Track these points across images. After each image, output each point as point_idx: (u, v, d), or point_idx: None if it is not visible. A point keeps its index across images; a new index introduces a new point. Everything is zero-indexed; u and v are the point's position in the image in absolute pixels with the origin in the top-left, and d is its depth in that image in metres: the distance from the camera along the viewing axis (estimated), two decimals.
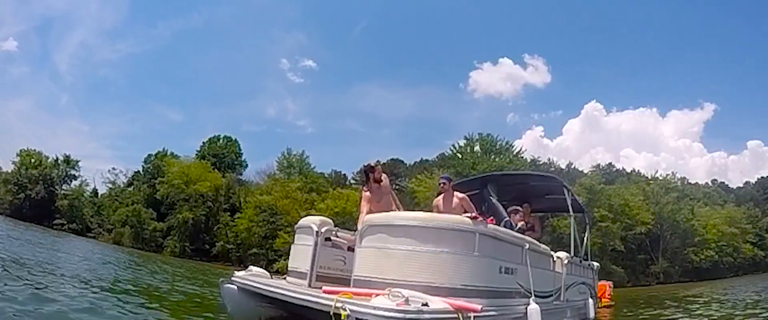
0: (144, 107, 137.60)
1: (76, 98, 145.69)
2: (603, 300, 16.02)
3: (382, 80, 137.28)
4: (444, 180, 9.26)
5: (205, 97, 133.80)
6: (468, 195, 11.31)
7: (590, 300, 11.98)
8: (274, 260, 54.20)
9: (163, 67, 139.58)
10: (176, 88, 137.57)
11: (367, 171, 8.74)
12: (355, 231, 8.24)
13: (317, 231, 7.21)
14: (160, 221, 64.79)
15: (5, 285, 8.55)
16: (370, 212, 8.76)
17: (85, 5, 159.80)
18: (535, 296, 7.33)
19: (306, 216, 35.25)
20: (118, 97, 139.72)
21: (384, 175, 9.11)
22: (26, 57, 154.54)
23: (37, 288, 8.81)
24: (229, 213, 63.75)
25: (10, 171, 78.12)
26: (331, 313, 4.93)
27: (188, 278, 18.77)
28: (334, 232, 7.58)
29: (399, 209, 8.45)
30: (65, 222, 69.77)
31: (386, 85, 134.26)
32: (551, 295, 9.30)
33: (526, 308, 6.97)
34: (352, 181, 71.29)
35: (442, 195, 9.16)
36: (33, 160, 77.08)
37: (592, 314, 11.78)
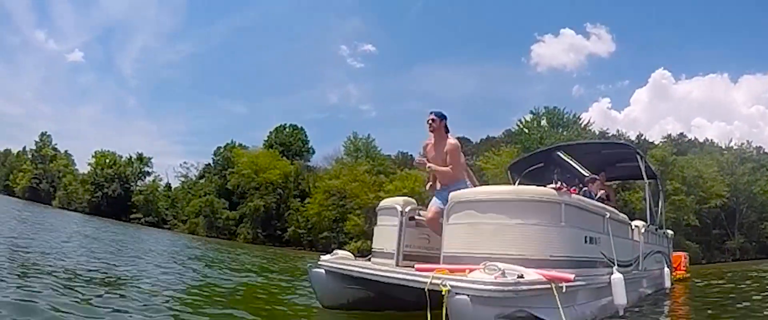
0: (208, 103, 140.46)
1: (143, 100, 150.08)
2: (678, 272, 15.44)
3: (442, 59, 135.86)
4: (433, 116, 7.26)
5: (267, 89, 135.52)
6: (534, 169, 11.20)
7: (666, 270, 11.78)
8: (345, 243, 54.62)
9: (223, 64, 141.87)
10: (238, 82, 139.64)
11: None
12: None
13: (402, 211, 7.25)
14: (232, 210, 66.17)
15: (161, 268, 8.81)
16: None
17: (144, 11, 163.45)
18: (618, 265, 7.29)
19: (377, 197, 35.58)
20: (182, 96, 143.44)
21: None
22: (92, 65, 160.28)
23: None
24: (299, 199, 64.54)
25: (87, 172, 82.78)
26: (426, 290, 4.97)
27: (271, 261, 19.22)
28: (417, 211, 7.61)
29: (474, 185, 8.44)
30: (142, 216, 72.87)
31: (447, 63, 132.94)
32: (631, 264, 9.16)
33: (610, 277, 6.92)
34: None
35: (432, 135, 7.50)
36: (108, 160, 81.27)
37: (668, 283, 11.57)
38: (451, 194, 6.78)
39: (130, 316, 5.53)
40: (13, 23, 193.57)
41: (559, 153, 11.18)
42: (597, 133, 56.89)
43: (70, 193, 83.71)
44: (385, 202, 8.05)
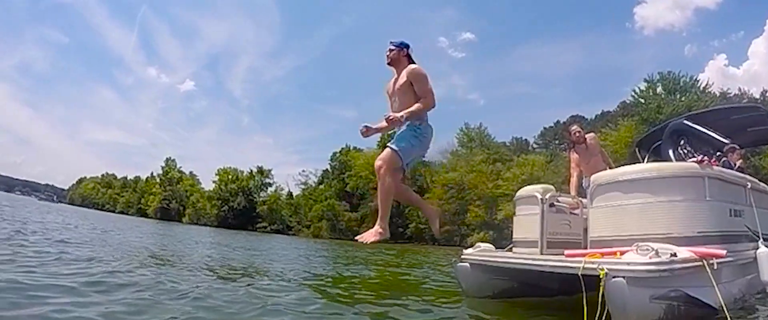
0: (318, 111, 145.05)
1: (256, 116, 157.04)
2: None
3: (542, 37, 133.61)
4: (390, 46, 5.85)
5: (373, 90, 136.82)
6: (656, 147, 10.81)
7: None
8: (467, 235, 54.46)
9: (327, 72, 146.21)
10: (343, 87, 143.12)
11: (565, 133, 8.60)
12: (569, 194, 8.29)
13: (542, 199, 7.24)
14: (353, 212, 67.29)
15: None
16: (580, 174, 8.75)
17: (243, 35, 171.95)
18: (763, 239, 6.96)
19: (495, 186, 35.33)
20: (292, 108, 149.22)
21: (590, 135, 8.97)
22: (204, 92, 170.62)
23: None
24: (418, 195, 64.77)
25: (212, 189, 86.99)
26: (580, 275, 4.99)
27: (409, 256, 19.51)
28: (556, 198, 7.58)
29: (610, 166, 8.31)
30: (267, 225, 75.71)
31: (548, 40, 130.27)
32: None
33: (755, 252, 6.64)
34: (535, 146, 70.41)
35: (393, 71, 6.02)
36: (230, 176, 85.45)
37: None
38: (593, 177, 6.73)
39: (304, 307, 5.84)
40: (126, 65, 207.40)
41: (687, 123, 10.81)
42: (717, 94, 53.98)
43: (198, 210, 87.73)
44: (524, 191, 8.02)
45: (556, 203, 7.48)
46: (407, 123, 5.46)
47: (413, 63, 5.75)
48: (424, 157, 6.10)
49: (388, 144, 5.48)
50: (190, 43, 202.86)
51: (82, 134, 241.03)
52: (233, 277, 8.10)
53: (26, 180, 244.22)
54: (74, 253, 8.84)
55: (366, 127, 5.93)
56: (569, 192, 8.37)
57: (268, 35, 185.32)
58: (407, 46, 5.81)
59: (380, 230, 5.26)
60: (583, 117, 67.80)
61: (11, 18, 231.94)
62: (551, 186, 7.64)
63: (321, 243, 40.48)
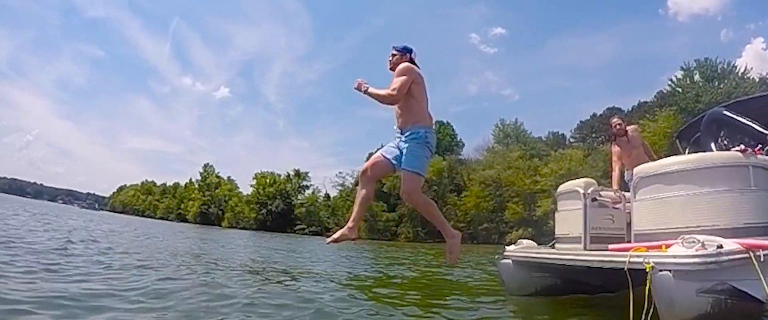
0: (351, 113, 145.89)
1: (291, 120, 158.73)
2: None
3: (575, 28, 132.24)
4: (393, 51, 5.69)
5: None
6: (697, 138, 10.59)
7: None
8: (506, 232, 54.28)
9: (359, 73, 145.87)
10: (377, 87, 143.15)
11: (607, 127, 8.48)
12: (612, 188, 8.19)
13: (584, 194, 7.18)
14: (391, 212, 67.47)
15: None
16: (622, 168, 8.64)
17: (275, 41, 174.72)
18: None
19: (533, 182, 35.08)
20: (326, 110, 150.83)
21: (632, 126, 8.86)
22: (239, 98, 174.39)
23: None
24: (455, 193, 64.81)
25: (250, 193, 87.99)
26: (626, 269, 4.94)
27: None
28: (598, 192, 7.51)
29: (652, 159, 8.19)
30: (305, 227, 76.26)
31: (581, 32, 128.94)
32: None
33: None
34: (571, 140, 69.68)
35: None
36: (268, 180, 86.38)
37: None
38: (636, 170, 6.65)
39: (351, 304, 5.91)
40: (161, 75, 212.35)
41: (726, 113, 10.59)
42: (756, 80, 52.92)
43: (237, 214, 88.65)
44: (565, 186, 7.93)
45: (598, 197, 7.41)
46: (411, 132, 5.24)
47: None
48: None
49: (403, 167, 5.18)
50: (223, 51, 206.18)
51: (121, 144, 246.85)
52: (279, 280, 8.19)
53: (68, 189, 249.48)
54: (123, 261, 9.02)
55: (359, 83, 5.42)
56: (610, 187, 8.29)
57: (300, 40, 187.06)
58: (410, 51, 5.64)
59: (348, 229, 5.20)
60: (620, 108, 66.47)
61: (47, 35, 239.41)
62: (593, 181, 7.54)
63: (359, 243, 40.54)
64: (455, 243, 5.52)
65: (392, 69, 5.51)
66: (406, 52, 5.56)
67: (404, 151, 5.14)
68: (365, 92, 5.23)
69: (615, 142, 8.72)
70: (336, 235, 5.15)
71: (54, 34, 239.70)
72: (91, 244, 11.58)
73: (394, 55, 5.57)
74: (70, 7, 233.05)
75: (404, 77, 5.14)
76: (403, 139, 5.19)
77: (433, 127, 5.49)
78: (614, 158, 8.62)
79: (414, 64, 5.48)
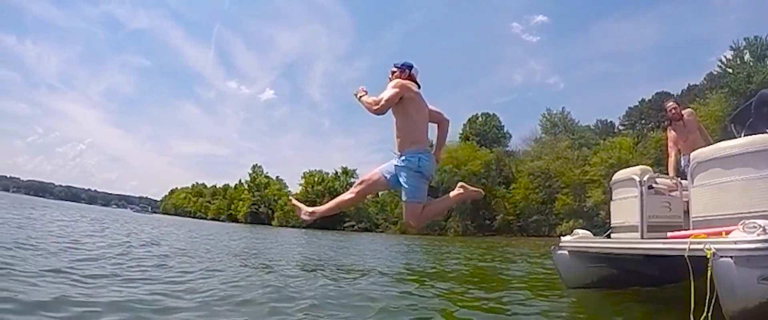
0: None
1: (336, 119, 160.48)
2: None
3: (618, 11, 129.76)
4: (394, 69, 5.76)
5: (450, 83, 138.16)
6: (750, 122, 10.29)
7: None
8: (556, 224, 53.84)
9: None
10: (421, 82, 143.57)
11: (662, 110, 8.33)
12: (668, 175, 8.04)
13: (640, 181, 7.06)
14: None
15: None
16: (678, 153, 8.50)
17: (316, 41, 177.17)
18: None
19: (583, 172, 34.63)
20: None
21: (687, 110, 8.71)
22: (284, 99, 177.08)
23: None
24: (503, 186, 64.54)
25: (299, 191, 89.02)
26: (686, 257, 4.86)
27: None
28: (654, 179, 7.39)
29: (709, 143, 8.03)
30: (355, 223, 76.73)
31: (624, 15, 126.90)
32: None
33: None
34: (620, 128, 68.68)
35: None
36: (316, 178, 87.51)
37: None
38: (693, 154, 6.52)
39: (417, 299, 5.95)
40: (206, 80, 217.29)
41: None
42: None
43: (286, 212, 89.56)
44: (620, 174, 7.79)
45: (654, 185, 7.30)
46: (405, 157, 5.36)
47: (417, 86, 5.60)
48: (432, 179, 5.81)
49: (405, 200, 5.47)
50: (266, 54, 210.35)
51: (171, 148, 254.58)
52: (337, 277, 8.23)
53: (121, 194, 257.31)
54: (185, 263, 9.15)
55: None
56: (665, 173, 8.16)
57: (341, 39, 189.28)
58: (410, 67, 5.65)
59: (309, 211, 5.29)
60: (669, 93, 64.55)
61: (94, 49, 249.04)
62: (649, 168, 7.40)
63: (409, 239, 40.58)
64: (465, 191, 5.58)
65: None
66: (405, 69, 5.60)
67: (402, 181, 5.22)
68: (360, 98, 5.33)
69: (670, 126, 8.57)
70: (300, 205, 5.28)
71: (100, 47, 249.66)
72: (151, 247, 11.78)
73: (393, 73, 5.63)
74: (114, 21, 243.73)
75: (394, 90, 5.25)
76: (400, 163, 5.24)
77: (429, 149, 5.68)
78: (670, 144, 8.49)
79: (414, 81, 5.61)
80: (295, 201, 5.26)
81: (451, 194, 5.72)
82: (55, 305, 4.28)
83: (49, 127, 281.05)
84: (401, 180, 5.37)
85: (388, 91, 5.13)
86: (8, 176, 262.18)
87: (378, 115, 5.20)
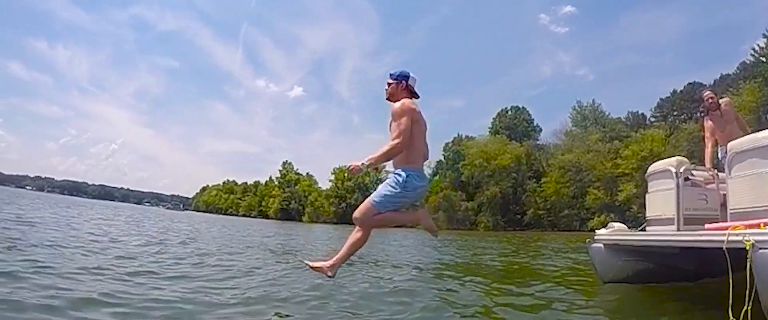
0: (425, 103, 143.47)
1: (365, 114, 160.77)
2: None
3: (646, 2, 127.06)
4: (390, 80, 5.40)
5: (478, 77, 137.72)
6: None
7: None
8: (587, 218, 53.39)
9: (430, 63, 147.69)
10: (448, 77, 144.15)
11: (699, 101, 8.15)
12: (703, 167, 7.87)
13: (676, 173, 6.93)
14: (469, 201, 67.07)
15: None
16: (715, 144, 8.33)
17: (343, 38, 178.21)
18: None
19: (614, 166, 34.22)
20: None
21: (725, 100, 8.50)
22: (312, 96, 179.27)
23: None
24: (534, 180, 64.14)
25: (329, 187, 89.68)
26: (724, 249, 4.75)
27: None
28: (690, 171, 7.24)
29: (746, 133, 7.84)
30: None
31: (653, 3, 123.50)
32: None
33: None
34: (652, 120, 67.71)
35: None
36: (346, 174, 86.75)
37: None
38: (730, 145, 6.37)
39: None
40: (235, 79, 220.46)
41: None
42: None
43: (316, 208, 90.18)
44: (656, 166, 7.63)
45: (690, 176, 7.15)
46: (396, 171, 5.11)
47: (415, 97, 5.32)
48: (417, 202, 5.41)
49: (370, 197, 5.15)
50: (294, 52, 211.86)
51: (201, 147, 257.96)
52: (375, 272, 8.31)
53: (153, 192, 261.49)
54: (228, 259, 9.29)
55: (357, 166, 5.09)
56: (701, 165, 7.99)
57: (368, 35, 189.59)
58: (406, 78, 5.34)
59: (328, 266, 5.02)
60: (701, 83, 62.79)
61: (123, 51, 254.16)
62: (685, 159, 7.26)
63: (440, 234, 40.55)
64: (421, 215, 5.36)
65: (389, 99, 5.34)
66: (402, 80, 5.31)
67: (382, 185, 5.04)
68: (369, 165, 4.97)
69: (707, 116, 8.34)
70: (316, 264, 5.03)
71: (129, 49, 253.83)
72: (188, 245, 11.92)
73: (390, 84, 5.34)
74: (142, 23, 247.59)
75: (404, 119, 4.93)
76: (391, 175, 5.09)
77: (423, 167, 5.39)
78: (707, 134, 8.26)
79: (412, 91, 5.33)
80: (312, 264, 5.00)
81: (414, 214, 5.48)
82: (98, 302, 4.34)
83: (81, 129, 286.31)
84: (382, 184, 5.19)
85: (401, 123, 4.83)
86: (43, 176, 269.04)
87: (403, 150, 5.03)
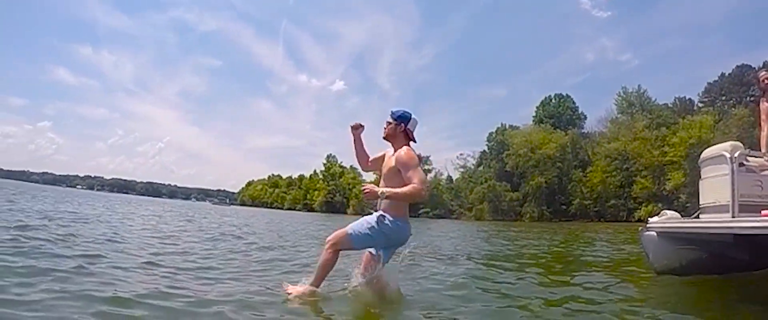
0: (466, 94, 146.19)
1: (406, 106, 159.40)
2: None
3: None
4: (390, 120, 5.30)
5: (520, 65, 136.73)
6: None
7: None
8: (634, 209, 52.72)
9: (470, 52, 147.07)
10: (489, 66, 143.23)
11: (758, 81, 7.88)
12: (759, 153, 7.65)
13: (731, 158, 6.74)
14: (514, 191, 66.74)
15: None
16: None
17: (382, 30, 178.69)
18: None
19: (662, 153, 33.71)
20: (440, 93, 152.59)
21: None
22: (354, 89, 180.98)
23: None
24: (579, 169, 63.51)
25: (373, 179, 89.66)
26: None
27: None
28: (745, 156, 7.03)
29: None
30: (429, 210, 76.43)
31: None
32: None
33: None
34: (699, 105, 66.27)
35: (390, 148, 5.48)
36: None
37: None
38: None
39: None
40: (277, 75, 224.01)
41: None
42: None
43: (361, 201, 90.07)
44: (710, 151, 7.42)
45: (745, 162, 6.95)
46: (381, 212, 5.04)
47: (411, 141, 5.25)
48: (395, 251, 5.31)
49: (349, 229, 5.11)
50: (334, 46, 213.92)
51: (246, 143, 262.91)
52: (431, 264, 8.34)
53: (200, 188, 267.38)
54: (281, 253, 9.41)
55: (371, 188, 4.98)
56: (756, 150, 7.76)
57: (407, 26, 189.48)
58: (407, 120, 5.24)
59: (306, 291, 4.95)
60: (750, 66, 60.33)
61: (166, 53, 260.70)
62: (739, 144, 7.05)
63: (485, 225, 40.43)
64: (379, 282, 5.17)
65: (386, 138, 5.33)
66: (402, 122, 5.23)
67: (365, 224, 5.01)
68: (386, 197, 4.91)
69: (763, 98, 8.05)
70: (300, 289, 4.99)
71: (172, 51, 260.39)
72: (241, 239, 12.09)
73: (389, 124, 5.28)
74: (183, 25, 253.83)
75: (420, 169, 4.99)
76: (376, 217, 5.03)
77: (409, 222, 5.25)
78: (763, 116, 7.94)
79: (409, 135, 5.26)
80: (296, 290, 4.90)
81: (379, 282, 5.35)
82: (154, 297, 4.38)
83: (128, 129, 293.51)
84: (364, 219, 5.10)
85: (418, 172, 4.88)
86: (93, 175, 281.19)
87: (424, 198, 5.05)
